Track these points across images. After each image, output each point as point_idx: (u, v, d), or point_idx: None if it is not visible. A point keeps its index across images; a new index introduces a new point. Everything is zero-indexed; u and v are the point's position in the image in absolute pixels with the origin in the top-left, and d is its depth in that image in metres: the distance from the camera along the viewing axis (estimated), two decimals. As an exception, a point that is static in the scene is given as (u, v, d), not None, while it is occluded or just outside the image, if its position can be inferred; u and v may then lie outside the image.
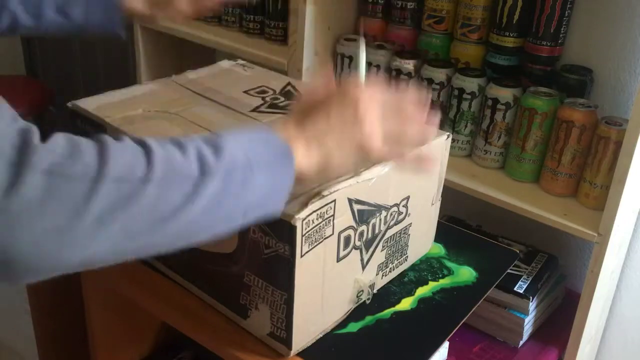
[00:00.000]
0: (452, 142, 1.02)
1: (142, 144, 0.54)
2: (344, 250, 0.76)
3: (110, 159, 0.50)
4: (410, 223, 0.86)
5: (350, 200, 0.73)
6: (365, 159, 0.64)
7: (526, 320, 1.16)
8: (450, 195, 1.04)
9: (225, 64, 1.06)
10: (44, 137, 0.49)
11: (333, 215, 0.71)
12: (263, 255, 0.71)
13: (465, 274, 0.92)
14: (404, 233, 0.86)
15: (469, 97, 1.21)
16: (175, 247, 0.55)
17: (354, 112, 0.62)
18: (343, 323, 0.81)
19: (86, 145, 0.50)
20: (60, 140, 0.49)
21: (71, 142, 0.50)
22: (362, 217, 0.76)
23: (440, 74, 1.24)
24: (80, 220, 0.48)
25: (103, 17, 0.86)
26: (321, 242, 0.71)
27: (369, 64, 1.32)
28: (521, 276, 1.18)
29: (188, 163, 0.54)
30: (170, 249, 0.55)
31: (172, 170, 0.53)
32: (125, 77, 1.99)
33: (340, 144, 0.62)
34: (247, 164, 0.56)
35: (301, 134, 0.61)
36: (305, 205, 0.67)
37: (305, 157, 0.61)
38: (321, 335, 0.78)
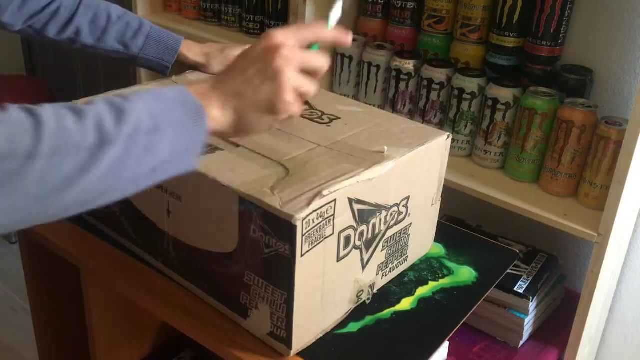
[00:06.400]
0: (452, 142, 1.02)
1: (32, 113, 0.51)
2: (344, 250, 0.76)
3: None
4: (411, 223, 0.86)
5: (350, 200, 0.73)
6: (276, 112, 0.63)
7: (526, 320, 1.16)
8: (450, 195, 1.04)
9: (225, 63, 1.06)
10: None
11: (333, 215, 0.71)
12: (263, 255, 0.71)
13: (465, 274, 0.92)
14: (404, 233, 0.86)
15: (469, 97, 1.21)
16: (81, 210, 0.55)
17: (271, 65, 0.61)
18: (343, 323, 0.81)
19: None
20: None
21: None
22: (363, 217, 0.76)
23: (440, 74, 1.24)
24: None
25: (157, 55, 0.94)
26: (321, 241, 0.71)
27: (369, 64, 1.32)
28: (521, 276, 1.18)
29: (83, 132, 0.52)
30: (75, 212, 0.54)
31: (64, 142, 0.51)
32: (126, 77, 1.99)
33: (256, 96, 0.61)
34: (153, 127, 0.56)
35: (217, 90, 0.61)
36: (306, 204, 0.68)
37: (220, 112, 0.60)
38: (321, 335, 0.78)
